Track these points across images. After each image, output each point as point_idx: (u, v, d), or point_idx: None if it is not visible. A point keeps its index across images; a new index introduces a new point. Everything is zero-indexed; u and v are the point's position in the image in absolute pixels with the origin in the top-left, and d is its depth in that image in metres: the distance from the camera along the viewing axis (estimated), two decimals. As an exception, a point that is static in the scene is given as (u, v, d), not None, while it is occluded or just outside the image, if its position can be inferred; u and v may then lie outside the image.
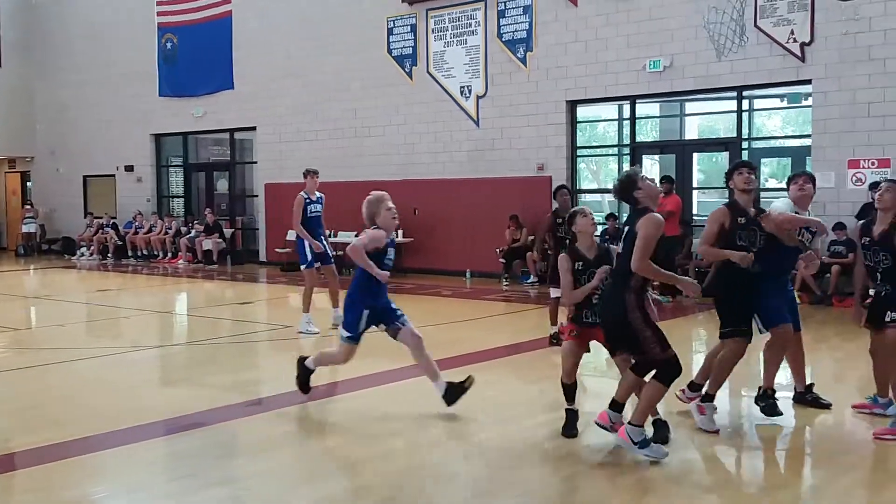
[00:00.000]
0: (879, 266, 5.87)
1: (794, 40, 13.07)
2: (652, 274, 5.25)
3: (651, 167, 16.96)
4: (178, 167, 22.99)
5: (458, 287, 15.42)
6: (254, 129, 20.39)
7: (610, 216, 15.26)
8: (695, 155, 15.82)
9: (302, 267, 10.56)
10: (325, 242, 10.59)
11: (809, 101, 13.52)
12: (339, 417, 6.63)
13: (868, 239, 5.92)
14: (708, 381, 6.16)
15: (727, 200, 6.20)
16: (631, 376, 5.42)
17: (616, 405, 5.52)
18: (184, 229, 21.36)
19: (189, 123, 21.52)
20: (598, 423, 5.61)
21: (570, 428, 5.88)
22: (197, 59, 21.04)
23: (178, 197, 23.11)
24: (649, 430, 5.46)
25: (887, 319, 5.77)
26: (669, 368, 5.21)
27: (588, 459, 5.58)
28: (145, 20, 21.87)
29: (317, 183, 10.66)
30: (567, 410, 5.96)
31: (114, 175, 23.40)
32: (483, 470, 5.40)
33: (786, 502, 4.85)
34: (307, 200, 10.46)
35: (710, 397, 6.11)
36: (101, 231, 22.73)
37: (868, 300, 6.25)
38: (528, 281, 15.40)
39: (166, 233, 21.51)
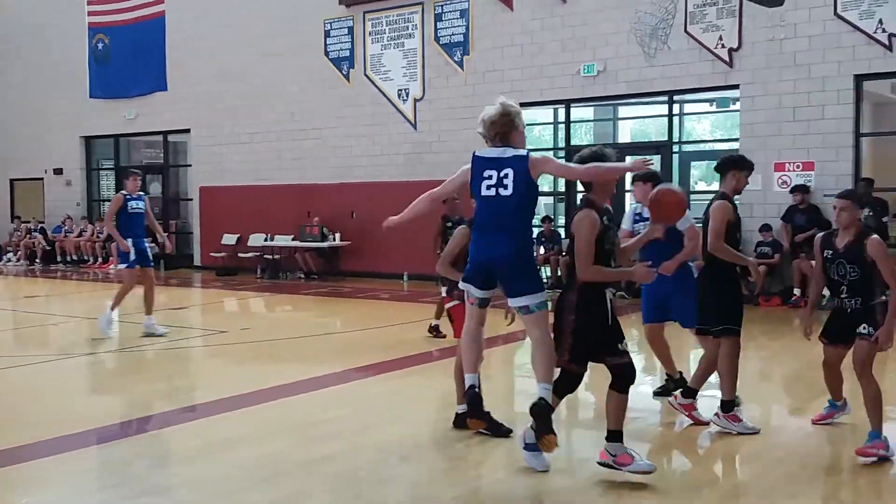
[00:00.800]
0: (846, 280, 5.58)
1: (723, 46, 13.41)
2: (609, 277, 5.00)
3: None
4: (110, 170, 22.50)
5: (395, 290, 15.42)
6: (188, 131, 20.08)
7: (545, 219, 15.44)
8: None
9: (123, 266, 10.47)
10: (145, 243, 10.43)
11: (737, 106, 13.88)
12: (273, 423, 6.58)
13: (831, 252, 5.63)
14: (721, 389, 6.13)
15: (721, 194, 6.15)
16: (612, 396, 5.15)
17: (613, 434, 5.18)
18: (116, 233, 20.89)
19: (121, 125, 21.09)
20: (599, 462, 5.21)
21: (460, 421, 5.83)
22: (129, 60, 20.65)
23: (109, 200, 22.60)
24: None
25: (861, 331, 5.55)
26: (564, 382, 5.23)
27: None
28: (76, 20, 21.37)
29: (138, 184, 10.66)
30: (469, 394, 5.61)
31: (42, 178, 22.78)
32: (422, 472, 5.42)
33: (714, 499, 4.97)
34: (127, 197, 10.36)
35: (730, 405, 6.08)
36: (28, 236, 22.12)
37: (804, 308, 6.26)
38: (466, 283, 15.47)
39: (97, 237, 21.03)
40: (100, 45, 21.28)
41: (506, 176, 4.92)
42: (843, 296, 5.61)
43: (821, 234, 5.89)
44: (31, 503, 5.06)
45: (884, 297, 5.58)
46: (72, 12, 21.40)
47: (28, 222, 22.38)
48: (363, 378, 8.12)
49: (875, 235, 5.58)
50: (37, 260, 21.75)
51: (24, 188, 23.52)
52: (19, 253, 22.06)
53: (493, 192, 4.95)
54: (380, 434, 6.22)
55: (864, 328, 5.54)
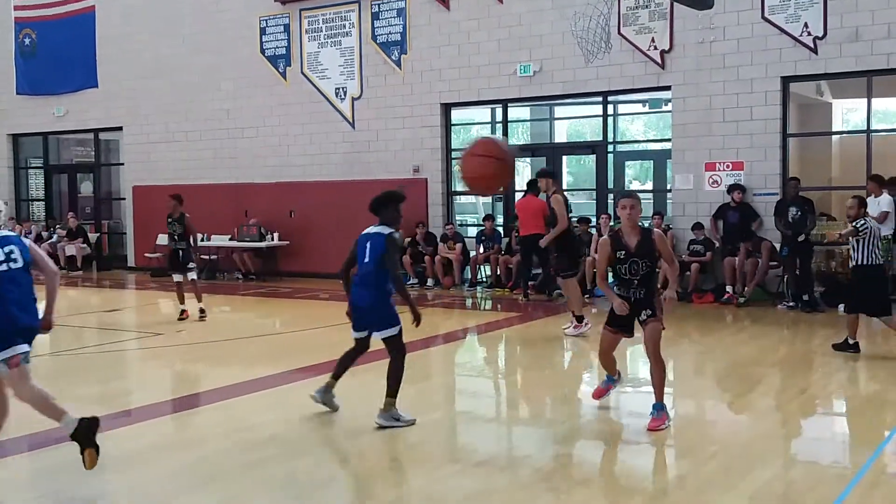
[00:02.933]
0: (638, 275, 6.13)
1: (655, 48, 13.67)
2: None
3: (523, 169, 17.39)
4: (38, 169, 21.90)
5: (335, 290, 15.30)
6: (120, 129, 19.66)
7: (487, 217, 15.47)
8: (564, 157, 16.31)
9: None
10: None
11: (669, 107, 14.16)
12: (211, 427, 6.51)
13: (623, 252, 6.15)
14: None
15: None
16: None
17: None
18: (45, 234, 20.38)
19: (50, 123, 20.54)
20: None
21: None
22: (58, 56, 20.11)
23: (38, 200, 22.03)
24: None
25: (643, 317, 6.17)
26: None
27: (467, 458, 5.70)
28: (1, 15, 20.75)
29: None
30: None
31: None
32: (361, 473, 5.44)
33: (651, 493, 5.09)
34: None
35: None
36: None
37: None
38: (407, 282, 15.48)
39: (25, 238, 20.42)
40: (27, 41, 20.69)
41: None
42: (633, 288, 6.17)
43: (607, 235, 6.51)
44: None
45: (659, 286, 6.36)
46: (-3, 6, 20.79)
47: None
48: (303, 379, 8.08)
49: (657, 230, 6.42)
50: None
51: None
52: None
53: None
54: (317, 437, 6.22)
55: (647, 312, 6.15)
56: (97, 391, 7.91)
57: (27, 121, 20.87)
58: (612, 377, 6.83)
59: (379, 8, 16.18)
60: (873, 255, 8.59)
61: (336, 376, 6.62)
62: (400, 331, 6.32)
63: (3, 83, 20.87)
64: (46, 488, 5.26)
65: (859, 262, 8.66)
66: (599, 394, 6.85)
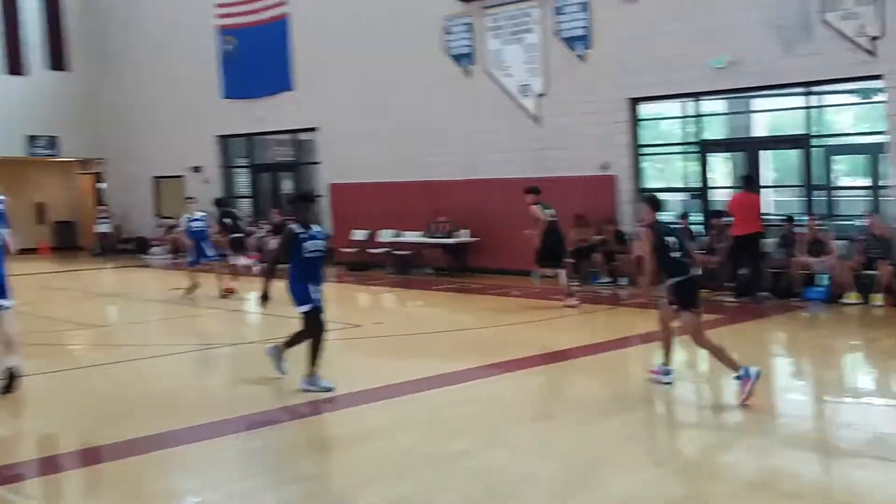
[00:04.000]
0: None
1: (864, 34, 12.75)
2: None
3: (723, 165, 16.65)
4: (245, 168, 23.43)
5: (527, 287, 15.14)
6: (315, 129, 20.66)
7: (683, 216, 14.83)
8: (764, 152, 15.41)
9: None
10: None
11: (881, 97, 13.14)
12: (406, 417, 6.70)
13: None
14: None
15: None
16: None
17: None
18: (251, 229, 21.71)
19: (252, 125, 21.86)
20: None
21: None
22: (257, 61, 21.28)
23: (245, 197, 23.52)
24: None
25: None
26: None
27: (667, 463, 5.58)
28: (204, 22, 22.25)
29: None
30: None
31: (182, 176, 23.93)
32: (561, 471, 5.40)
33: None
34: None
35: None
36: (172, 231, 23.26)
37: None
38: (599, 281, 15.20)
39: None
40: (229, 47, 22.13)
41: None
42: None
43: None
44: (184, 487, 5.37)
45: None
46: (201, 15, 22.26)
47: (170, 218, 23.45)
48: (495, 375, 8.14)
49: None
50: (180, 254, 22.83)
51: (166, 186, 24.83)
52: (167, 247, 23.20)
53: None
54: (513, 431, 6.28)
55: None
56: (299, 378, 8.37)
57: (232, 123, 22.32)
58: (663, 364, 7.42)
59: (562, 3, 16.04)
60: None
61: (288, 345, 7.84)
62: (310, 310, 7.41)
63: (210, 88, 22.41)
64: (258, 469, 5.65)
65: None
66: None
